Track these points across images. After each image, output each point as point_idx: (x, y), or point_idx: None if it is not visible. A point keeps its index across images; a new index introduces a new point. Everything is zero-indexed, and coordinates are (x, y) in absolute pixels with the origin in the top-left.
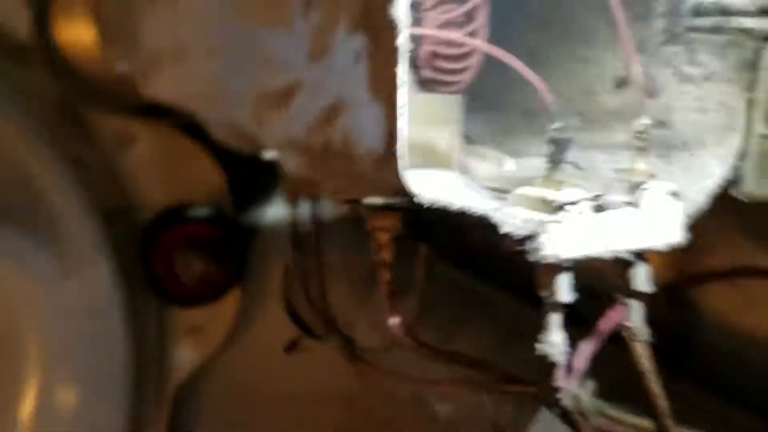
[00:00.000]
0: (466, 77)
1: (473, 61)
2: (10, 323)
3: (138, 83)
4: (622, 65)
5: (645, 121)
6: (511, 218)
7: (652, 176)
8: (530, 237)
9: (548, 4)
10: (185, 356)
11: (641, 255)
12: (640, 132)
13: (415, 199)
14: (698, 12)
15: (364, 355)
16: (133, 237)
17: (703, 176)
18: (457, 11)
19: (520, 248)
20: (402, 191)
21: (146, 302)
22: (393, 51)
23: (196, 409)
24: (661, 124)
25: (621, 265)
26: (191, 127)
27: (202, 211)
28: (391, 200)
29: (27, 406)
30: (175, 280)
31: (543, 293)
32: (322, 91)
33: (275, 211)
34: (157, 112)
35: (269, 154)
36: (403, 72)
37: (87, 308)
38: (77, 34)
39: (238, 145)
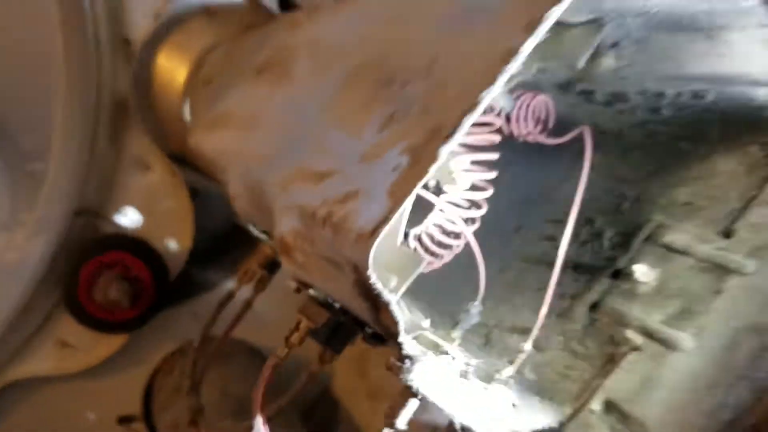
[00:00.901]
0: (446, 257)
1: (460, 245)
2: None
3: (190, 131)
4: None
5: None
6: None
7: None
8: (410, 358)
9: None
10: (38, 362)
11: None
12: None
13: (363, 274)
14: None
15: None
16: (83, 237)
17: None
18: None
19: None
20: (362, 266)
21: (48, 297)
22: (423, 174)
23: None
24: (532, 378)
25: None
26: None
27: (153, 256)
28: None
29: None
30: (87, 292)
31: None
32: (353, 181)
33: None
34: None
35: (256, 230)
36: (418, 189)
37: None
38: (173, 68)
39: (242, 203)
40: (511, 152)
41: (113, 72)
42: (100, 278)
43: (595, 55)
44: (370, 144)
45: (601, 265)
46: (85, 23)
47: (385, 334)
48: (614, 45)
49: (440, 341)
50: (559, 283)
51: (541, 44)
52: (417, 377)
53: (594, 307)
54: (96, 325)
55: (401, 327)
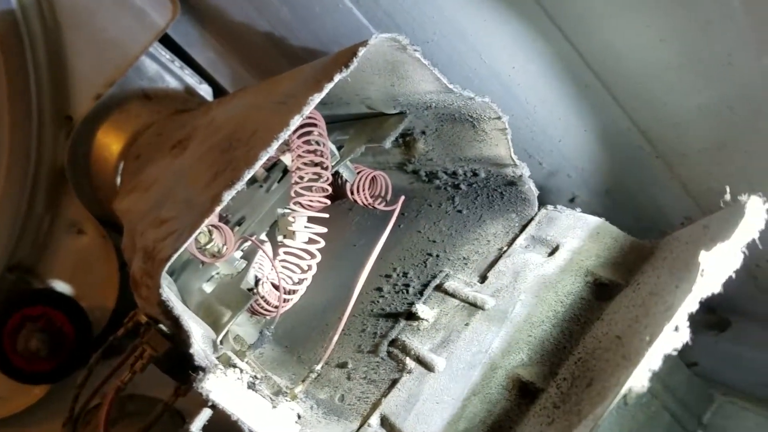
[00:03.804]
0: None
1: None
2: None
3: (116, 196)
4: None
5: (318, 368)
6: (202, 348)
7: (297, 399)
8: (202, 369)
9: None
10: None
11: None
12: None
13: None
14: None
15: None
16: (13, 291)
17: None
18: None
19: (193, 373)
20: (156, 285)
21: None
22: (210, 213)
23: None
24: (338, 402)
25: None
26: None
27: (77, 312)
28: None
29: None
30: (11, 342)
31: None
32: (177, 224)
33: None
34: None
35: None
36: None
37: None
38: (109, 143)
39: (127, 254)
40: (366, 221)
41: (54, 144)
42: (23, 330)
43: (412, 141)
44: (196, 194)
45: (404, 309)
46: (29, 98)
47: (184, 347)
48: (423, 133)
49: (234, 357)
50: (375, 326)
51: (367, 128)
52: (209, 387)
53: (392, 342)
54: (17, 375)
55: (193, 340)
